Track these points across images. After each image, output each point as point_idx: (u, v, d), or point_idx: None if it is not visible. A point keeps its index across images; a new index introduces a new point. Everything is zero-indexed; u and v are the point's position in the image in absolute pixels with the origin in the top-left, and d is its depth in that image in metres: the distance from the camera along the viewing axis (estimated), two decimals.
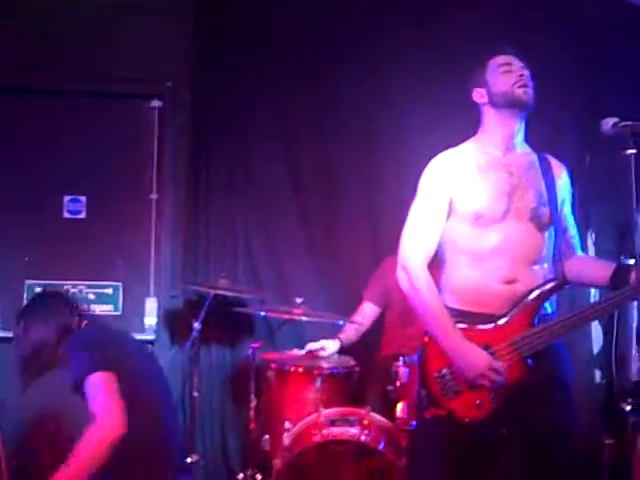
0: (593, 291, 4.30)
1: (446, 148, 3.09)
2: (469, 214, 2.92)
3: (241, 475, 4.19)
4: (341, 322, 4.23)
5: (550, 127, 4.53)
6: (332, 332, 4.57)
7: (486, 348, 2.87)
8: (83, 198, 4.78)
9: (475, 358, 2.84)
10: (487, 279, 2.90)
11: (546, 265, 2.97)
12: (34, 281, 4.69)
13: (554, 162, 3.09)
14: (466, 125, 3.11)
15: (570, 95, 4.69)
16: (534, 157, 3.05)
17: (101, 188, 4.77)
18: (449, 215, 2.98)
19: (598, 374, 4.53)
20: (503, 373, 2.83)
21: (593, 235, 4.46)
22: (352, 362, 4.26)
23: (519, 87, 2.94)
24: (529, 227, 2.94)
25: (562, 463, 2.96)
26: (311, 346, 4.28)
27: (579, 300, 4.22)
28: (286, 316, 4.14)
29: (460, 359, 2.86)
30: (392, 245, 4.27)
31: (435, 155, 3.07)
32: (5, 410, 4.22)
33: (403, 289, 2.99)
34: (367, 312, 4.49)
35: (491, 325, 2.90)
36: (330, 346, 4.30)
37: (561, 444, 2.96)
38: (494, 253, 2.90)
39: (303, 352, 4.32)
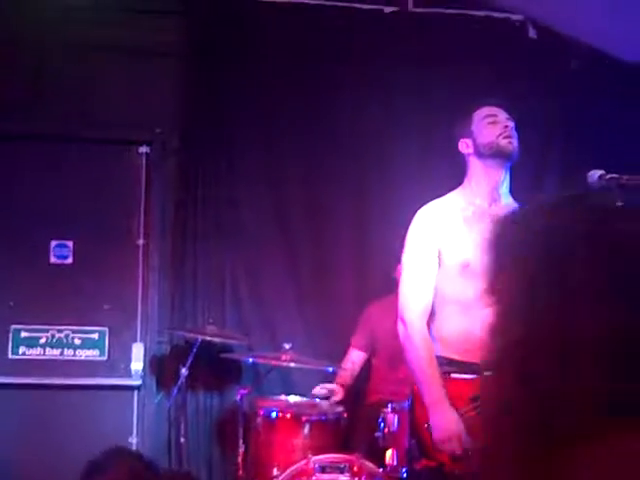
0: None
1: (436, 197, 3.13)
2: (456, 264, 2.95)
3: None
4: (330, 369, 4.23)
5: (530, 179, 4.61)
6: (319, 379, 4.58)
7: (476, 399, 2.88)
8: (70, 243, 4.78)
9: (446, 424, 2.84)
10: (475, 328, 2.91)
11: None
12: (20, 326, 4.67)
13: None
14: (456, 175, 3.16)
15: (550, 146, 4.79)
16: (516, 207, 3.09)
17: (88, 233, 4.76)
18: (439, 265, 3.01)
19: None
20: (468, 451, 2.81)
21: None
22: (340, 408, 4.26)
23: (504, 138, 2.99)
24: None
25: None
26: (317, 391, 4.28)
27: None
28: (274, 362, 4.13)
29: (433, 418, 2.87)
30: (378, 291, 4.34)
31: (423, 204, 3.11)
32: None
33: (400, 338, 3.01)
34: (355, 358, 4.51)
35: (479, 375, 2.91)
36: (338, 391, 4.31)
37: None
38: (482, 302, 2.92)
39: (303, 399, 4.33)
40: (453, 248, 2.97)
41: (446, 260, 2.97)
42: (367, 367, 4.53)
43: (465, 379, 2.92)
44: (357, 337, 4.53)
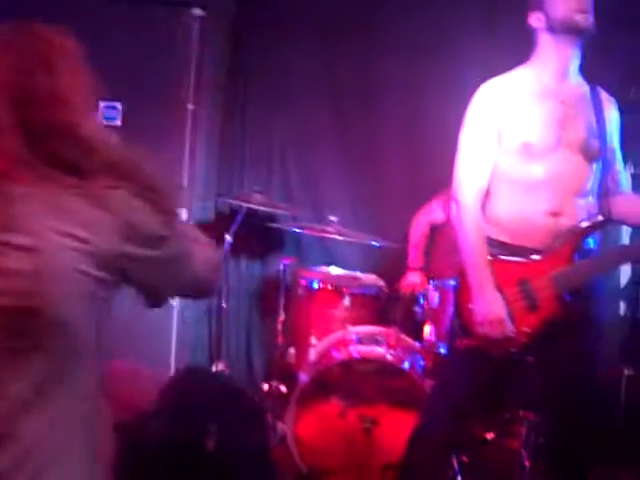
0: (625, 228, 4.26)
1: (497, 74, 3.02)
2: (518, 143, 2.87)
3: (266, 386, 4.28)
4: (375, 243, 4.23)
5: (596, 56, 4.41)
6: (363, 252, 4.61)
7: (525, 282, 2.87)
8: (119, 105, 4.75)
9: (489, 307, 2.84)
10: (532, 211, 2.88)
11: (591, 199, 2.94)
12: None
13: (605, 95, 3.02)
14: (523, 51, 3.03)
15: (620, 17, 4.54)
16: (586, 89, 2.98)
17: (138, 96, 4.71)
18: (498, 145, 2.94)
19: (623, 307, 4.54)
20: (509, 335, 2.85)
21: (632, 168, 4.39)
22: (381, 282, 4.30)
23: (580, 12, 2.84)
24: (579, 158, 2.89)
25: (583, 395, 3.00)
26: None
27: (611, 237, 4.19)
28: (319, 234, 4.15)
29: (477, 301, 2.87)
30: (429, 170, 4.27)
31: (485, 80, 3.01)
32: None
33: (452, 219, 2.99)
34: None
35: (531, 259, 2.90)
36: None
37: (585, 380, 3.00)
38: (541, 185, 2.87)
39: (345, 271, 4.36)
40: (515, 127, 2.88)
41: (507, 139, 2.89)
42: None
43: (514, 262, 2.91)
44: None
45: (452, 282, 3.07)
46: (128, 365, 3.32)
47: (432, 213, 4.37)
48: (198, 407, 2.64)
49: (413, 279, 4.33)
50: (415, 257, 4.43)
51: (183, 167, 4.78)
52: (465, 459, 3.67)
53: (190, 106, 4.74)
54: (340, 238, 4.12)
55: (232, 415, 2.69)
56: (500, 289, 2.87)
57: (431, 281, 3.91)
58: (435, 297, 3.82)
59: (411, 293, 4.14)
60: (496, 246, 2.92)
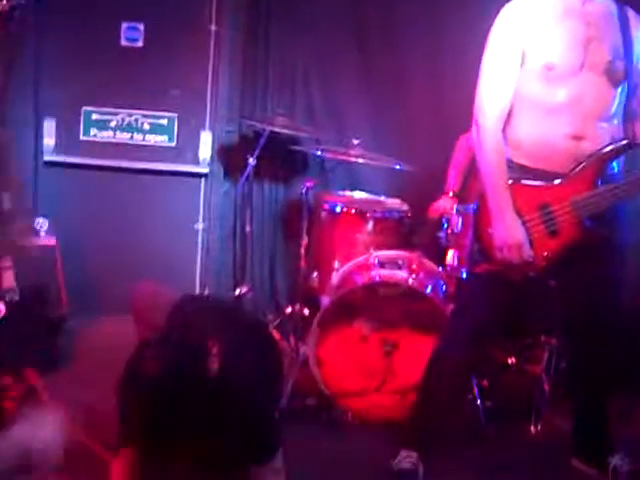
0: None
1: None
2: (540, 65, 2.79)
3: (289, 309, 4.30)
4: (398, 166, 4.18)
5: None
6: (386, 176, 4.57)
7: (546, 207, 2.83)
8: (141, 26, 4.69)
9: (508, 231, 2.81)
10: (554, 134, 2.82)
11: (616, 122, 2.87)
12: (91, 107, 4.69)
13: (633, 14, 2.91)
14: None
15: None
16: (613, 7, 2.86)
17: (160, 16, 4.66)
18: (520, 66, 2.86)
19: None
20: (528, 260, 2.81)
21: None
22: (405, 207, 4.26)
23: None
24: (603, 81, 2.80)
25: (605, 321, 2.98)
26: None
27: (636, 162, 4.10)
28: (342, 157, 4.10)
29: (496, 225, 2.84)
30: (452, 96, 4.17)
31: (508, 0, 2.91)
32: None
33: (473, 142, 2.93)
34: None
35: (553, 183, 2.85)
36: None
37: (607, 306, 2.97)
38: (564, 107, 2.80)
39: (368, 195, 4.34)
40: (539, 48, 2.79)
41: (530, 60, 2.81)
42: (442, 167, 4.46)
43: (535, 186, 2.87)
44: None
45: (473, 206, 3.02)
46: (152, 286, 3.34)
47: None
48: (200, 329, 2.64)
49: (443, 204, 4.28)
50: (452, 182, 4.38)
51: (206, 90, 4.74)
52: (485, 384, 3.69)
53: (212, 27, 4.68)
54: (363, 161, 4.08)
55: (236, 337, 2.69)
56: (520, 213, 2.84)
57: (455, 206, 3.87)
58: (458, 222, 3.78)
59: (438, 218, 4.09)
60: (517, 170, 2.87)
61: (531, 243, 2.83)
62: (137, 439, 2.53)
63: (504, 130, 2.90)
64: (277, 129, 4.24)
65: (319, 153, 4.33)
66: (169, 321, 2.81)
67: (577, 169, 2.81)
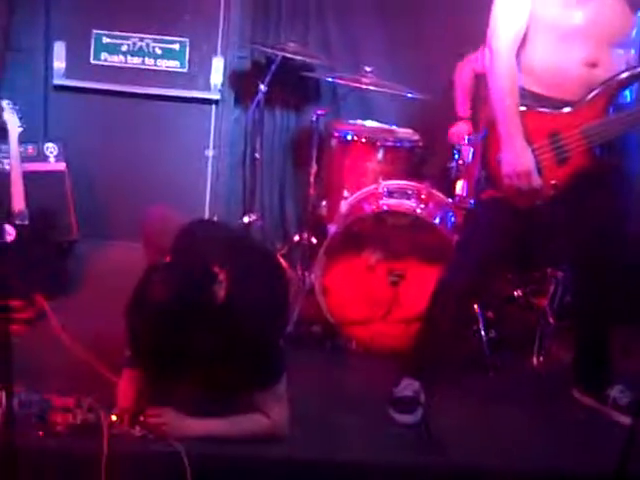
0: None
1: None
2: None
3: (297, 237, 4.30)
4: (410, 95, 4.11)
5: None
6: (398, 105, 4.51)
7: (556, 134, 2.79)
8: None
9: (516, 158, 2.78)
10: (568, 60, 2.76)
11: (633, 51, 2.79)
12: (101, 31, 4.62)
13: None
14: None
15: None
16: None
17: None
18: None
19: None
20: (536, 188, 2.78)
21: None
22: (416, 137, 4.21)
23: None
24: (621, 5, 2.71)
25: (612, 252, 2.96)
26: None
27: None
28: (354, 84, 4.02)
29: (505, 151, 2.80)
30: (469, 21, 4.06)
31: None
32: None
33: (485, 67, 2.87)
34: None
35: (564, 111, 2.80)
36: None
37: (615, 236, 2.95)
38: (579, 32, 2.73)
39: (380, 124, 4.30)
40: None
41: None
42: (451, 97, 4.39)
43: (546, 113, 2.82)
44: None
45: (482, 132, 2.98)
46: (163, 210, 3.34)
47: (477, 62, 4.21)
48: (208, 255, 2.64)
49: (462, 128, 4.24)
50: (462, 106, 4.32)
51: (219, 15, 4.66)
52: (491, 315, 3.69)
53: None
54: (375, 89, 4.00)
55: (244, 263, 2.69)
56: (530, 141, 2.80)
57: (465, 136, 3.81)
58: (469, 152, 3.73)
59: (458, 143, 4.03)
60: (528, 97, 2.82)
61: (540, 171, 2.80)
62: (144, 362, 2.57)
63: (517, 56, 2.83)
64: (289, 55, 4.17)
65: (331, 80, 4.27)
66: (177, 245, 2.82)
67: (589, 96, 2.76)
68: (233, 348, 2.51)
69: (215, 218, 4.72)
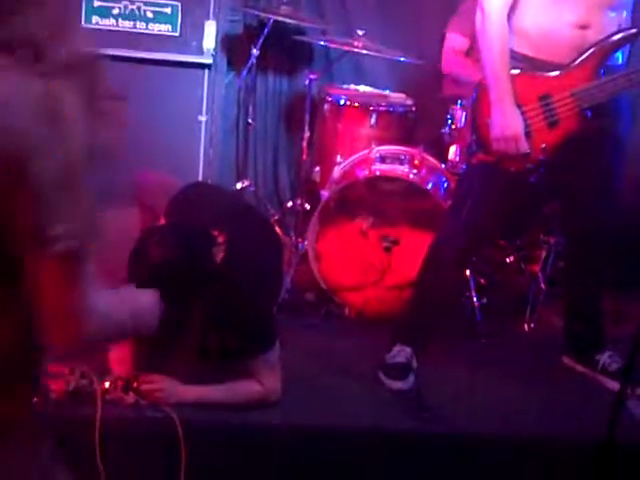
0: None
1: None
2: None
3: (290, 203, 4.29)
4: (402, 59, 4.07)
5: None
6: (391, 70, 4.48)
7: (546, 97, 2.78)
8: None
9: (506, 122, 2.78)
10: (559, 23, 2.75)
11: (625, 13, 2.78)
12: None
13: None
14: None
15: None
16: None
17: None
18: None
19: None
20: (525, 152, 2.78)
21: None
22: (409, 101, 4.19)
23: None
24: None
25: (603, 215, 2.96)
26: None
27: None
28: (346, 48, 3.97)
29: (495, 115, 2.79)
30: None
31: None
32: None
33: (476, 28, 2.85)
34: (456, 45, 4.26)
35: (554, 73, 2.79)
36: None
37: (605, 198, 2.94)
38: None
39: (373, 89, 4.27)
40: None
41: None
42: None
43: (536, 76, 2.82)
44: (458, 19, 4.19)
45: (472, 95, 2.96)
46: (157, 176, 3.33)
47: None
48: (206, 218, 2.64)
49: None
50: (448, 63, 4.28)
51: None
52: (483, 281, 3.70)
53: None
54: (367, 52, 3.96)
55: (241, 229, 2.69)
56: (520, 104, 2.79)
57: (458, 101, 3.79)
58: (462, 117, 3.72)
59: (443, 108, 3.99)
60: (519, 60, 2.81)
61: (529, 134, 2.80)
62: None
63: (509, 18, 2.81)
64: (282, 19, 4.13)
65: (323, 44, 4.24)
66: (175, 206, 2.81)
67: (579, 59, 2.76)
68: (228, 313, 2.52)
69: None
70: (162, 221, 2.89)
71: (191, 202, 2.81)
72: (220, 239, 2.52)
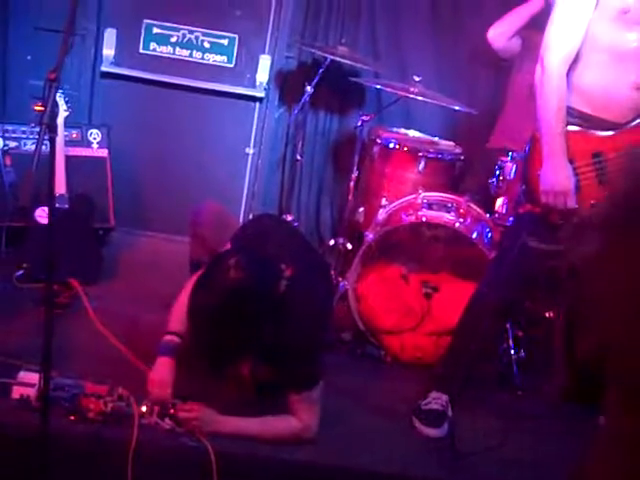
0: None
1: None
2: (615, 7, 2.69)
3: (332, 241, 4.30)
4: (457, 108, 4.08)
5: None
6: (443, 117, 4.50)
7: (599, 155, 2.79)
8: None
9: (557, 177, 2.78)
10: (619, 82, 2.76)
11: None
12: (152, 21, 4.64)
13: None
14: None
15: None
16: None
17: None
18: (594, 8, 2.76)
19: None
20: (571, 207, 2.78)
21: None
22: (458, 150, 4.21)
23: None
24: None
25: None
26: None
27: None
28: (402, 93, 4.00)
29: (546, 169, 2.79)
30: None
31: None
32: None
33: (535, 81, 2.86)
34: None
35: (609, 132, 2.80)
36: None
37: None
38: (632, 54, 2.72)
39: (423, 135, 4.30)
40: None
41: (605, 2, 2.71)
42: (496, 110, 4.36)
43: (592, 134, 2.82)
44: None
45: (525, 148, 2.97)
46: (216, 206, 3.36)
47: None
48: (275, 250, 2.68)
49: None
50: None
51: (269, 13, 4.67)
52: (520, 334, 3.67)
53: None
54: (422, 99, 3.97)
55: (306, 266, 2.72)
56: (572, 159, 2.80)
57: (509, 153, 3.80)
58: (512, 169, 3.72)
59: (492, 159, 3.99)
60: (576, 116, 2.81)
61: (579, 189, 2.80)
62: (200, 343, 2.57)
63: (568, 75, 2.82)
64: (338, 58, 4.16)
65: (379, 87, 4.26)
66: (245, 235, 2.85)
67: (635, 122, 2.77)
68: (282, 347, 2.54)
69: (250, 216, 4.74)
70: (211, 252, 2.93)
71: (262, 233, 2.85)
72: (287, 272, 2.55)
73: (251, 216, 4.73)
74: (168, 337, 2.80)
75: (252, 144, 4.81)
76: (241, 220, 4.49)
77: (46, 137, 2.17)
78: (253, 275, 2.47)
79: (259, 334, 2.48)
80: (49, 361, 2.25)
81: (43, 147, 2.13)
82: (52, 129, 2.18)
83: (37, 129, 4.04)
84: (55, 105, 2.19)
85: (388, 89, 4.13)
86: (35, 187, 3.53)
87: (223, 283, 2.43)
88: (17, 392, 2.65)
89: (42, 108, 3.79)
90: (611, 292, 1.22)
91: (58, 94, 3.83)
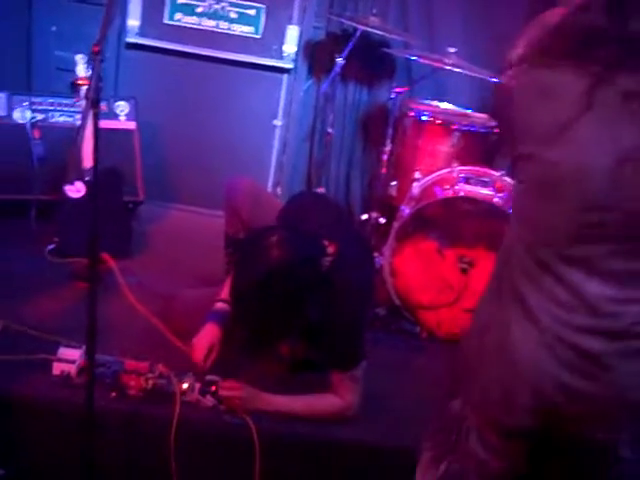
0: None
1: None
2: None
3: (365, 216, 4.24)
4: (494, 79, 3.99)
5: None
6: (477, 89, 4.42)
7: None
8: None
9: None
10: None
11: None
12: None
13: None
14: None
15: None
16: None
17: None
18: None
19: None
20: None
21: None
22: (492, 122, 4.13)
23: None
24: None
25: None
26: None
27: None
28: (437, 64, 3.90)
29: None
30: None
31: None
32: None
33: None
34: None
35: None
36: None
37: None
38: None
39: (456, 107, 4.24)
40: None
41: None
42: None
43: None
44: None
45: None
46: (245, 180, 3.30)
47: None
48: (319, 228, 2.63)
49: None
50: None
51: None
52: None
53: None
54: (456, 70, 3.87)
55: (348, 243, 2.66)
56: None
57: None
58: None
59: None
60: None
61: None
62: (244, 317, 2.53)
63: None
64: (369, 29, 4.07)
65: (414, 58, 4.18)
66: (289, 212, 2.80)
67: None
68: (326, 325, 2.49)
69: (278, 190, 4.69)
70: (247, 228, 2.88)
71: (306, 210, 2.80)
72: (330, 249, 2.50)
73: (279, 190, 4.68)
74: (219, 304, 2.77)
75: (280, 116, 4.74)
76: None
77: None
78: (296, 253, 2.41)
79: (304, 313, 2.43)
80: (93, 338, 2.21)
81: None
82: (96, 104, 2.11)
83: (65, 101, 4.07)
84: (99, 79, 2.12)
85: (424, 61, 4.03)
86: (79, 161, 3.53)
87: (266, 262, 2.37)
88: (57, 368, 2.61)
89: (83, 82, 3.76)
90: None
91: (82, 60, 3.83)
